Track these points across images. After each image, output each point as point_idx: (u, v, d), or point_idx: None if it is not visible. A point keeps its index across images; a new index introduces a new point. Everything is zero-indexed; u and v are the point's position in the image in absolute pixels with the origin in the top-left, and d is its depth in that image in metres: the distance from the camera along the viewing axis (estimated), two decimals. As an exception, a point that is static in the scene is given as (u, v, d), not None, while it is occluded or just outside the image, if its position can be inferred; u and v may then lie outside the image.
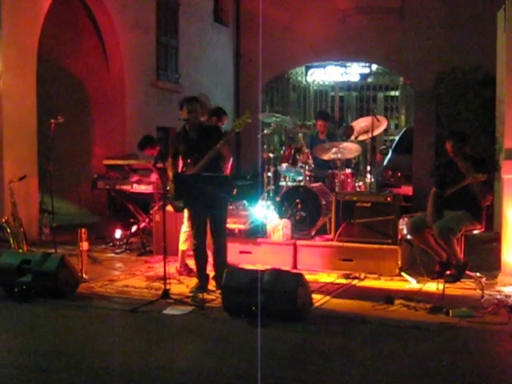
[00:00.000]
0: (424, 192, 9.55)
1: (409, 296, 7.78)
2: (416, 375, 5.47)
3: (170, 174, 8.10)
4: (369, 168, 11.24)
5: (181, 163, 8.29)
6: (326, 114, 12.92)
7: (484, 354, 6.09)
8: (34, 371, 5.48)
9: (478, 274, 8.36)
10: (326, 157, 10.87)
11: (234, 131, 8.29)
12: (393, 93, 23.39)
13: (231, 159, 8.62)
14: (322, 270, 9.33)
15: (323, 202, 10.09)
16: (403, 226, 9.40)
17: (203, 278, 8.20)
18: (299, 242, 9.74)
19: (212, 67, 17.34)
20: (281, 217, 10.08)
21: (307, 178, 10.51)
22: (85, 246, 8.63)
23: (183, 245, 8.85)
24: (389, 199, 9.59)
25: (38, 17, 11.87)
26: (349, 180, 10.97)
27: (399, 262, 9.10)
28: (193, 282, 8.33)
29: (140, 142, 11.29)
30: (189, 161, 8.03)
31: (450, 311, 7.08)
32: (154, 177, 10.76)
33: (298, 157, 10.50)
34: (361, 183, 11.30)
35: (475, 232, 8.28)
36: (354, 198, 9.70)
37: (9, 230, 10.09)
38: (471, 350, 6.10)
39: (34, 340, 6.38)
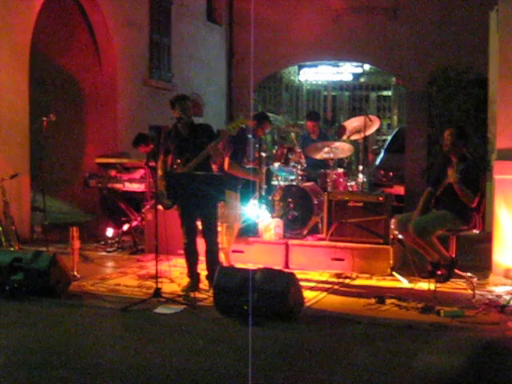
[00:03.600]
0: (416, 192, 9.57)
1: (400, 296, 7.79)
2: (407, 375, 5.48)
3: (160, 171, 8.10)
4: (361, 168, 11.24)
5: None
6: (315, 115, 12.95)
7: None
8: (24, 369, 5.47)
9: (469, 274, 8.37)
10: (318, 156, 10.89)
11: (228, 134, 8.29)
12: (385, 93, 23.47)
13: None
14: (313, 270, 9.34)
15: (315, 202, 10.10)
16: (395, 226, 9.41)
17: (194, 276, 8.21)
18: (291, 242, 9.75)
19: (205, 66, 17.34)
20: (273, 216, 10.09)
21: (299, 178, 10.51)
22: (76, 244, 8.62)
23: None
24: (381, 199, 9.60)
25: (31, 15, 11.85)
26: (341, 180, 10.98)
27: (391, 262, 9.12)
28: (184, 280, 8.34)
29: (134, 139, 11.30)
30: (179, 161, 8.02)
31: (442, 311, 7.10)
32: (138, 174, 10.83)
33: (290, 156, 10.50)
34: (353, 183, 11.29)
35: (467, 232, 8.28)
36: (346, 198, 9.71)
37: (0, 229, 10.08)
38: (462, 350, 6.12)
39: (24, 338, 6.36)
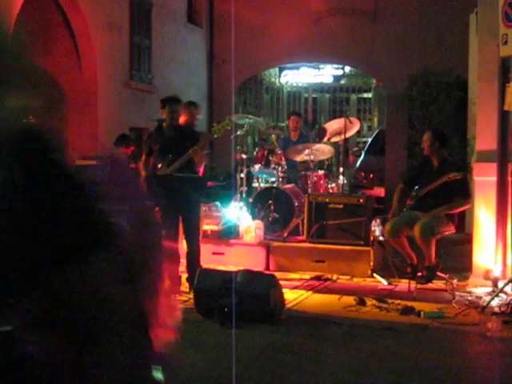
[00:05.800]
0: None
1: (381, 297, 7.81)
2: (388, 376, 5.49)
3: (143, 172, 8.07)
4: (341, 169, 11.28)
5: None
6: (299, 112, 13.02)
7: (455, 355, 6.13)
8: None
9: (449, 276, 8.40)
10: (298, 158, 10.91)
11: (212, 137, 8.29)
12: (366, 95, 23.54)
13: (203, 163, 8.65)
14: (294, 271, 9.35)
15: (296, 204, 10.11)
16: (375, 228, 9.43)
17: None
18: (272, 243, 9.75)
19: (185, 68, 17.30)
20: (253, 218, 10.09)
21: (280, 180, 10.52)
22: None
23: None
24: (361, 201, 9.63)
25: (10, 16, 11.77)
26: (321, 181, 10.99)
27: (371, 264, 9.14)
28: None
29: (116, 140, 11.28)
30: (160, 165, 7.99)
31: (422, 312, 7.12)
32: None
33: (270, 158, 10.52)
34: (333, 185, 11.31)
35: (446, 233, 8.31)
36: (327, 200, 9.73)
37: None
38: (442, 351, 6.14)
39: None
